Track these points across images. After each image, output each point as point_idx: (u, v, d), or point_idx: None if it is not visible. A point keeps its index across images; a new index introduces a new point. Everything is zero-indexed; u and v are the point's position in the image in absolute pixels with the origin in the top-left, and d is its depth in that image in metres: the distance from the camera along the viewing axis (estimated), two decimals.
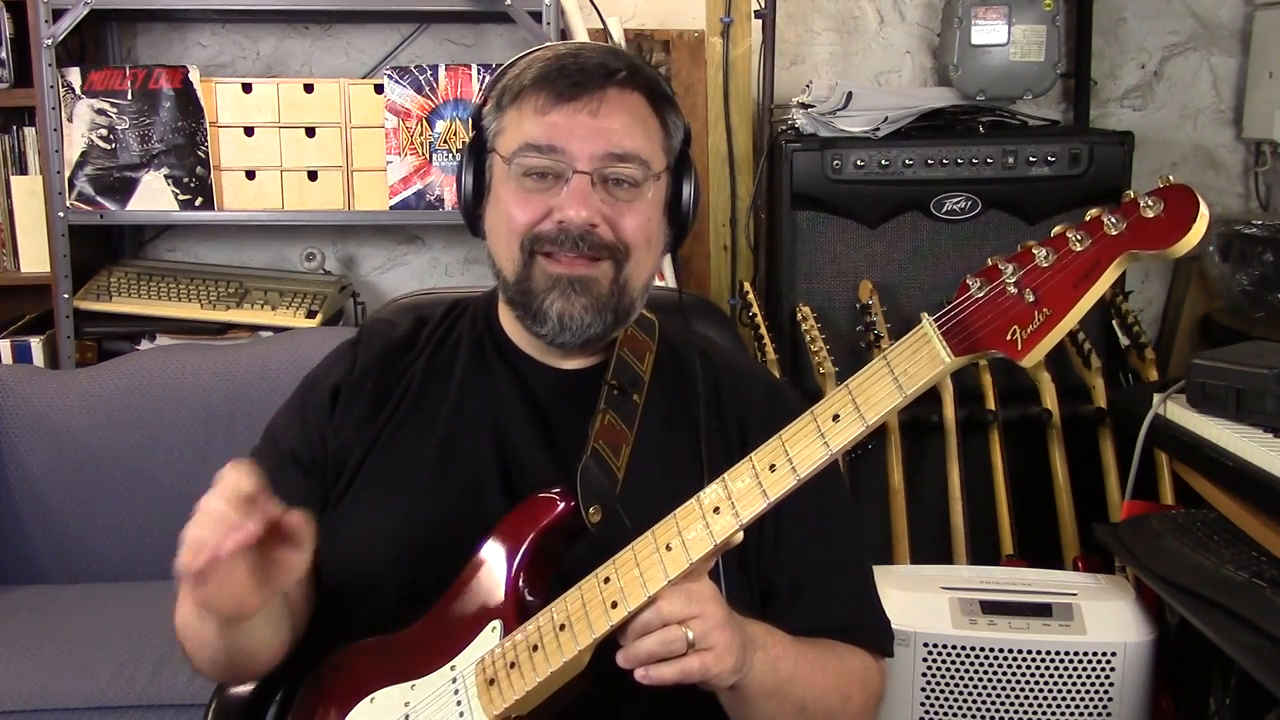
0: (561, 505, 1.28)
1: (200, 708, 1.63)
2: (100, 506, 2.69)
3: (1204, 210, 0.97)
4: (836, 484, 1.50)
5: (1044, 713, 2.26)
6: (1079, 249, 1.01)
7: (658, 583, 1.16)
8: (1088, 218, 1.02)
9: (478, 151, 1.45)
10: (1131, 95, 3.34)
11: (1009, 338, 1.03)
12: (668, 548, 1.16)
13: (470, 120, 1.56)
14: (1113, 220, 1.00)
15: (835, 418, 1.10)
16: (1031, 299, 1.02)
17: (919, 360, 1.06)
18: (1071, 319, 1.01)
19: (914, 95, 3.04)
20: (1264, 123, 3.15)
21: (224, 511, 1.12)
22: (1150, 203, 0.99)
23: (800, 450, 1.11)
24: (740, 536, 1.15)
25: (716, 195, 3.14)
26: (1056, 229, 1.03)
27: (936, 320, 1.06)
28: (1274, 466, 1.96)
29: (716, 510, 1.14)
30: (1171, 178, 1.01)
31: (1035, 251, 1.03)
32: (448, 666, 1.28)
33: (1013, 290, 1.03)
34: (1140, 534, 2.22)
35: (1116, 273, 1.00)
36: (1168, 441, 2.33)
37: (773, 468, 1.12)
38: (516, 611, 1.26)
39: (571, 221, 1.35)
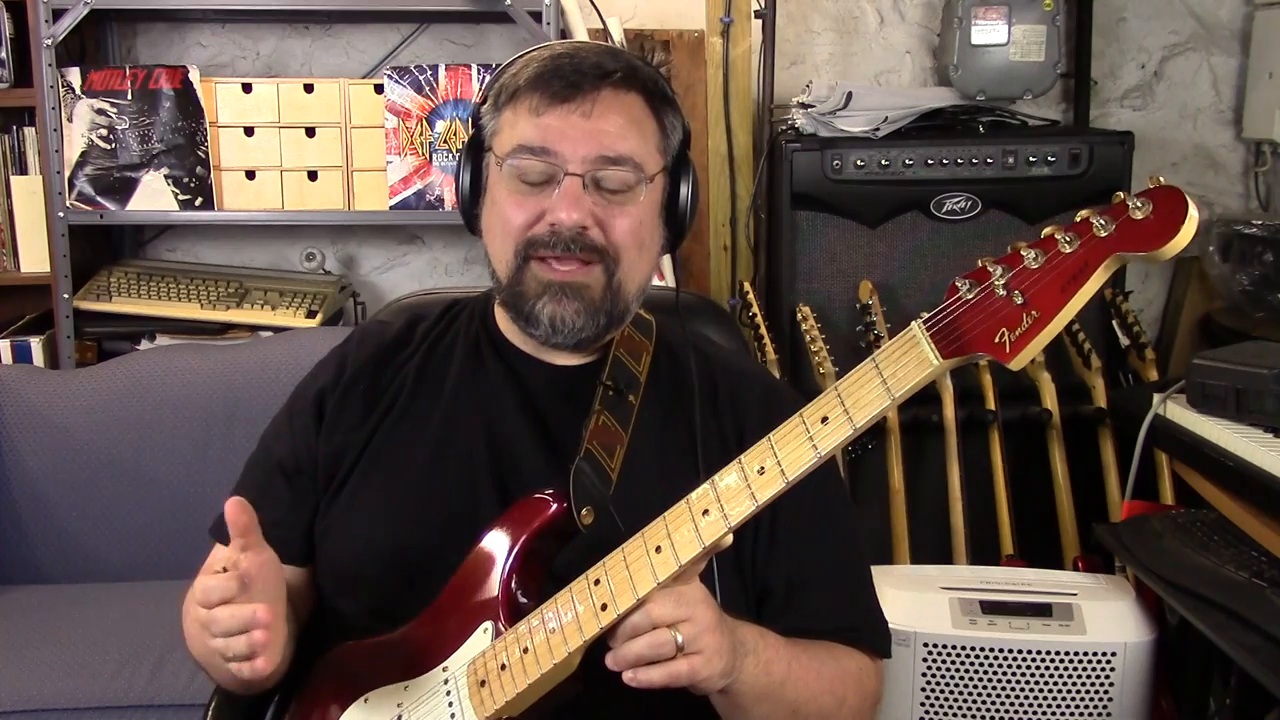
0: (554, 507, 1.27)
1: (200, 708, 1.62)
2: (100, 506, 2.69)
3: (1193, 212, 0.96)
4: (834, 484, 1.50)
5: (1044, 713, 2.26)
6: (1067, 250, 1.00)
7: (647, 585, 1.15)
8: (1078, 219, 1.01)
9: (476, 151, 1.44)
10: (1131, 95, 3.33)
11: (997, 340, 1.02)
12: (657, 550, 1.16)
13: (470, 119, 1.55)
14: (1101, 222, 0.99)
15: (824, 420, 1.09)
16: (1020, 301, 1.01)
17: (907, 363, 1.06)
18: (1060, 322, 1.00)
19: (914, 95, 3.04)
20: (1264, 123, 3.14)
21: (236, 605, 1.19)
22: (1139, 204, 0.98)
23: (789, 453, 1.11)
24: (729, 539, 1.15)
25: (716, 195, 3.14)
26: (1046, 230, 1.02)
27: (926, 322, 1.06)
28: (1274, 466, 1.96)
29: (706, 512, 1.14)
30: (1163, 179, 1.00)
31: (1025, 253, 1.02)
32: (440, 668, 1.28)
33: (1001, 292, 1.02)
34: (1140, 534, 2.22)
35: (1105, 275, 0.99)
36: (1168, 441, 2.32)
37: (761, 470, 1.12)
38: (509, 613, 1.26)
39: (562, 224, 1.35)
